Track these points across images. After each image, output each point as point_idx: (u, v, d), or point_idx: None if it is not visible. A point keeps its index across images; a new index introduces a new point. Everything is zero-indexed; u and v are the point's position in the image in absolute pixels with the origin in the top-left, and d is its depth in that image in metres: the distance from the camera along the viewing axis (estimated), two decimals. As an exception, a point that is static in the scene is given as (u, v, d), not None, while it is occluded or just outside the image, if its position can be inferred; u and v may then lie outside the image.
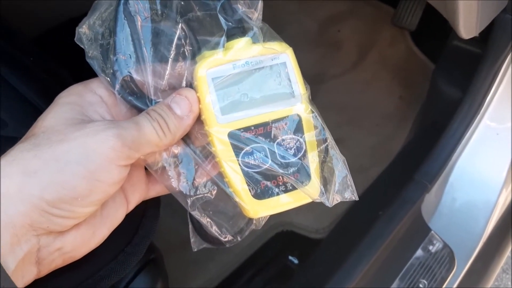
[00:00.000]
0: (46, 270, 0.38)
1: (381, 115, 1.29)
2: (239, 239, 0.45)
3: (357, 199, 0.42)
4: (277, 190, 0.41)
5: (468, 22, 0.65)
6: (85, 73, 0.43)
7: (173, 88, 0.41)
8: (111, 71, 0.40)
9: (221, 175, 0.41)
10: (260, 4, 0.41)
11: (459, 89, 0.88)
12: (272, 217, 0.43)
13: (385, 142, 1.23)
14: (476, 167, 0.85)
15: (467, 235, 0.82)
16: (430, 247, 0.78)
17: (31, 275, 0.37)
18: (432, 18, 1.08)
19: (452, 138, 0.83)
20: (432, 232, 0.79)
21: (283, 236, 1.08)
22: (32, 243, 0.35)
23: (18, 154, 0.35)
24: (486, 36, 0.81)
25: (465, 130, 0.83)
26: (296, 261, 1.05)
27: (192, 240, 0.46)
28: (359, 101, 1.32)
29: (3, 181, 0.34)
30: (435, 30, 1.21)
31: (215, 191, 0.43)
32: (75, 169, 0.35)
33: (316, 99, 0.43)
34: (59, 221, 0.36)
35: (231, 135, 0.40)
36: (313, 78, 1.31)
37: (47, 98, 0.57)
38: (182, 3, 0.40)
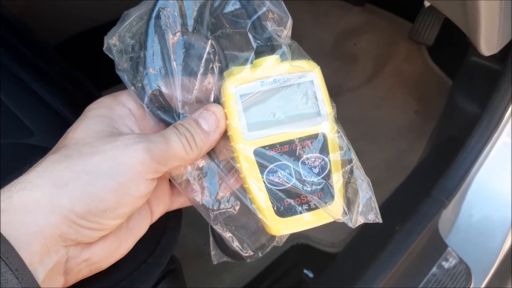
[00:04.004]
0: (72, 280, 0.38)
1: (396, 129, 1.29)
2: (260, 254, 0.44)
3: (380, 221, 0.41)
4: (300, 208, 0.41)
5: (489, 39, 0.64)
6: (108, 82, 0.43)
7: (200, 102, 0.42)
8: (140, 84, 0.41)
9: (244, 191, 0.41)
10: (289, 22, 0.41)
11: (477, 105, 0.88)
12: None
13: (401, 156, 1.23)
14: (493, 183, 0.84)
15: (484, 252, 0.81)
16: (447, 264, 0.77)
17: (58, 284, 0.37)
18: (449, 33, 1.09)
19: (470, 154, 0.83)
20: (449, 248, 0.78)
21: (298, 249, 1.08)
22: (61, 254, 0.36)
23: (49, 165, 0.36)
24: (506, 53, 0.80)
25: (483, 146, 0.83)
26: (311, 275, 1.04)
27: (212, 253, 0.46)
28: (375, 114, 1.32)
29: (35, 192, 0.35)
30: (452, 45, 1.21)
31: (238, 207, 0.43)
32: (104, 182, 0.36)
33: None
34: (88, 233, 0.36)
35: (256, 153, 0.40)
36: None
37: (72, 108, 0.58)
38: (213, 20, 0.41)
